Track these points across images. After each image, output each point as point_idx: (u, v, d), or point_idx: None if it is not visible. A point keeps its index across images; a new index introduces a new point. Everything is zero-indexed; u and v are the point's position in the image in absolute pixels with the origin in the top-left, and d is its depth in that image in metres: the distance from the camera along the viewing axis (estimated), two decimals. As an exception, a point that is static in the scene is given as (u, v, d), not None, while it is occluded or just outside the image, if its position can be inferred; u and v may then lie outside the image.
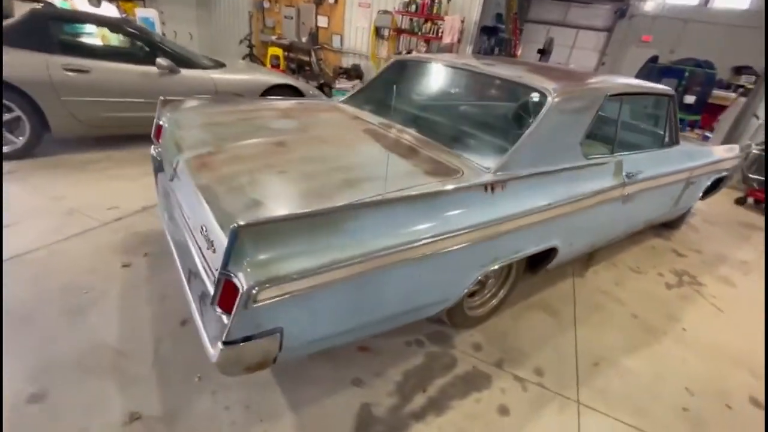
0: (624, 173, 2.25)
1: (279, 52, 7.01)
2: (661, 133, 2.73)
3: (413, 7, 6.38)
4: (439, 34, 6.19)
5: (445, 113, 2.39)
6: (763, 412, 1.88)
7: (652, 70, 10.34)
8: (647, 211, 2.76)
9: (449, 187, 1.48)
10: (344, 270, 1.16)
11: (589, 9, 12.24)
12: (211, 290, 1.18)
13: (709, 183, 3.36)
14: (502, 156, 1.73)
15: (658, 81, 9.60)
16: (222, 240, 1.14)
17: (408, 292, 1.45)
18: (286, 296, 1.07)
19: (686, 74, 9.78)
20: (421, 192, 1.39)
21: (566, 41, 12.37)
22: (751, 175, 4.67)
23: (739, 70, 10.86)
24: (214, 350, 1.08)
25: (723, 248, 3.55)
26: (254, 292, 1.01)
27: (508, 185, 1.66)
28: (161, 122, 2.15)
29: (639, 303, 2.55)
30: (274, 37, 7.49)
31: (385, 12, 6.65)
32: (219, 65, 4.10)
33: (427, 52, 6.49)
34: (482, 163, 1.73)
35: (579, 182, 2.00)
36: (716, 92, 9.56)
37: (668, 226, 3.61)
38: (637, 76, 10.16)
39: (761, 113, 5.08)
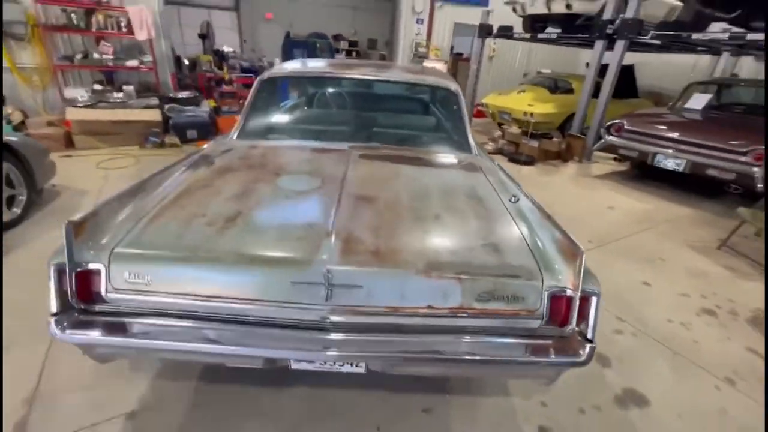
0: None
1: None
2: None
3: (63, -7, 4.57)
4: (124, 30, 4.90)
5: (390, 122, 2.53)
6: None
7: (289, 44, 12.26)
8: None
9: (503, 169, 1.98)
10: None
11: (207, -13, 12.27)
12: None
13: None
14: (467, 140, 2.32)
15: (294, 53, 11.75)
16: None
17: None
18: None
19: (317, 45, 12.32)
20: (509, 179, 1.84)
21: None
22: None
23: (336, 38, 14.68)
24: (582, 353, 1.26)
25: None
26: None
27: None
28: (95, 266, 1.21)
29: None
30: None
31: (3, -1, 4.38)
32: None
33: (114, 52, 5.00)
34: (465, 149, 2.26)
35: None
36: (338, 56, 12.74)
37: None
38: (283, 50, 11.89)
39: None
